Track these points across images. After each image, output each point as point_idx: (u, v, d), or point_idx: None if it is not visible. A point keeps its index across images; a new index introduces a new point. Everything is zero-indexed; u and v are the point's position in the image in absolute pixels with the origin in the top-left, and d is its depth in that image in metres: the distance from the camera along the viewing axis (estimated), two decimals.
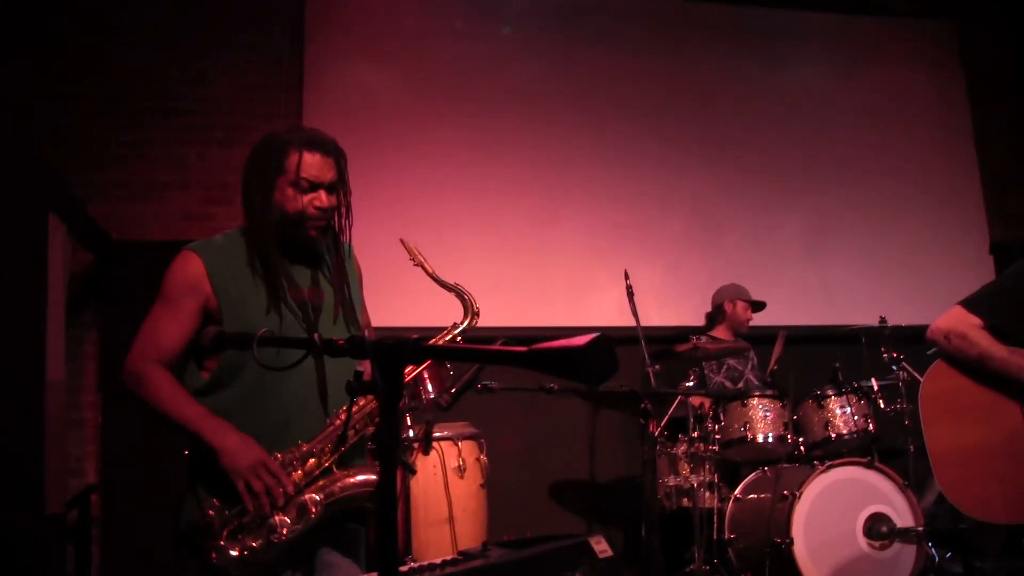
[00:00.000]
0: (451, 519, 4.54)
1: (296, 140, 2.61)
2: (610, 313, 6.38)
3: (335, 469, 2.46)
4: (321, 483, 2.43)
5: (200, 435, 2.40)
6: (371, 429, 2.51)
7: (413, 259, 2.75)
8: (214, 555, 2.29)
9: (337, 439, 2.45)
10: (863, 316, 5.80)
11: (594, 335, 1.13)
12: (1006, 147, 7.86)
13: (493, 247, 6.47)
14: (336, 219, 2.71)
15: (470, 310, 2.69)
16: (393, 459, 1.31)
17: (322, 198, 2.60)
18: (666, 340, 5.79)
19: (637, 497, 5.11)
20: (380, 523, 1.34)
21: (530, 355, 1.17)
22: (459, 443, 4.68)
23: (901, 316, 5.42)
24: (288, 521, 2.33)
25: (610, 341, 1.14)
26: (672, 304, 6.78)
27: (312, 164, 2.58)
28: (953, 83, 7.86)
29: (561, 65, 7.06)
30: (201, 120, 6.61)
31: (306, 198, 2.58)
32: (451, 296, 2.72)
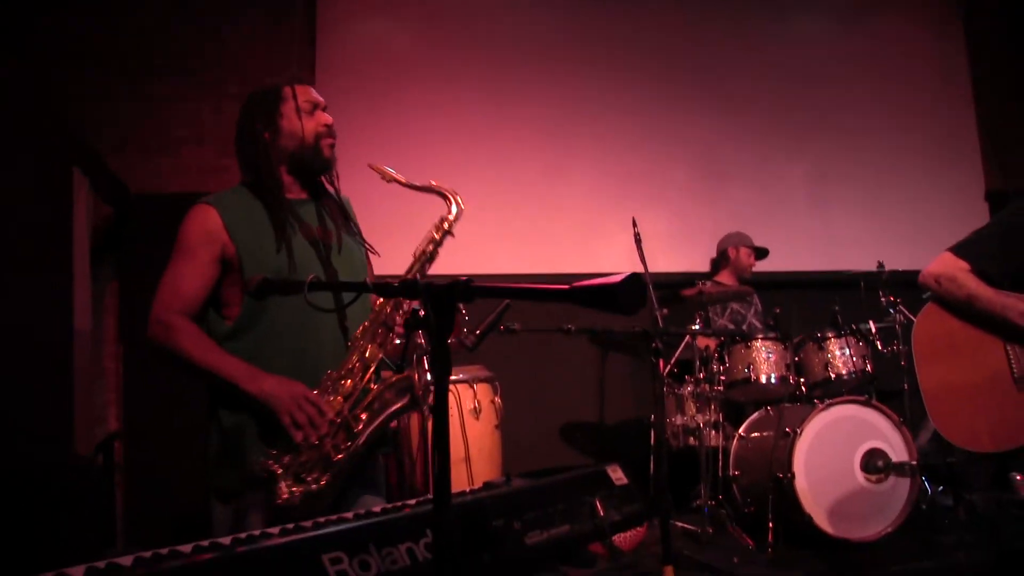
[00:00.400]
0: (468, 459, 4.67)
1: (283, 79, 2.82)
2: (618, 259, 6.48)
3: (372, 386, 2.59)
4: (362, 403, 2.55)
5: (236, 383, 2.49)
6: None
7: (384, 177, 2.81)
8: (280, 498, 2.39)
9: (368, 366, 2.59)
10: (863, 262, 5.91)
11: (628, 273, 1.31)
12: (1003, 98, 7.93)
13: (504, 196, 6.58)
14: None
15: (452, 201, 2.79)
16: (445, 391, 1.49)
17: (326, 117, 2.79)
18: (673, 285, 5.94)
19: (644, 437, 5.29)
20: (436, 450, 1.49)
21: (573, 292, 1.35)
22: (474, 386, 4.79)
23: (899, 261, 5.56)
24: (339, 445, 2.48)
25: (641, 278, 1.33)
26: (678, 250, 6.90)
27: (307, 90, 2.80)
28: (952, 34, 7.91)
29: (569, 16, 7.14)
30: (215, 76, 6.72)
31: (311, 120, 2.76)
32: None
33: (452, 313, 1.51)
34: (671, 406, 5.37)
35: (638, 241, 5.15)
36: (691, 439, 5.26)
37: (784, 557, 4.46)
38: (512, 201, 6.63)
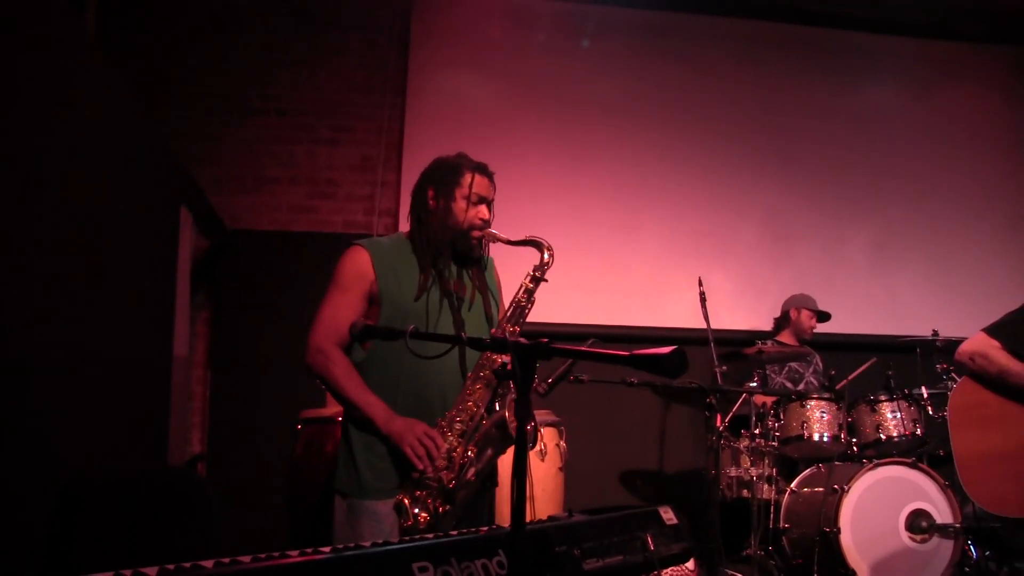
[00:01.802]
0: (532, 498, 4.88)
1: (468, 163, 3.21)
2: (684, 315, 6.71)
3: (483, 423, 2.97)
4: (473, 439, 2.93)
5: (374, 421, 2.92)
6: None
7: (490, 239, 3.22)
8: (407, 523, 2.82)
9: (479, 405, 2.98)
10: (919, 327, 6.03)
11: (674, 347, 1.64)
12: None
13: (579, 249, 6.76)
14: None
15: (544, 248, 3.14)
16: (525, 432, 1.80)
17: (485, 212, 3.19)
18: (735, 343, 6.18)
19: (701, 487, 5.52)
20: (515, 484, 1.79)
21: (630, 357, 1.69)
22: (541, 429, 5.00)
23: (954, 329, 5.58)
24: (455, 476, 2.86)
25: (683, 351, 1.65)
26: (742, 308, 7.11)
27: (482, 183, 3.19)
28: (1018, 105, 8.08)
29: (643, 79, 7.43)
30: (310, 120, 7.11)
31: (473, 211, 3.15)
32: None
33: (534, 367, 1.83)
34: (727, 458, 5.57)
35: (703, 300, 5.38)
36: (744, 491, 5.44)
37: None
38: (586, 254, 6.82)
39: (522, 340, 1.85)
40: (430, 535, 2.29)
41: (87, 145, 3.76)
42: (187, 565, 1.73)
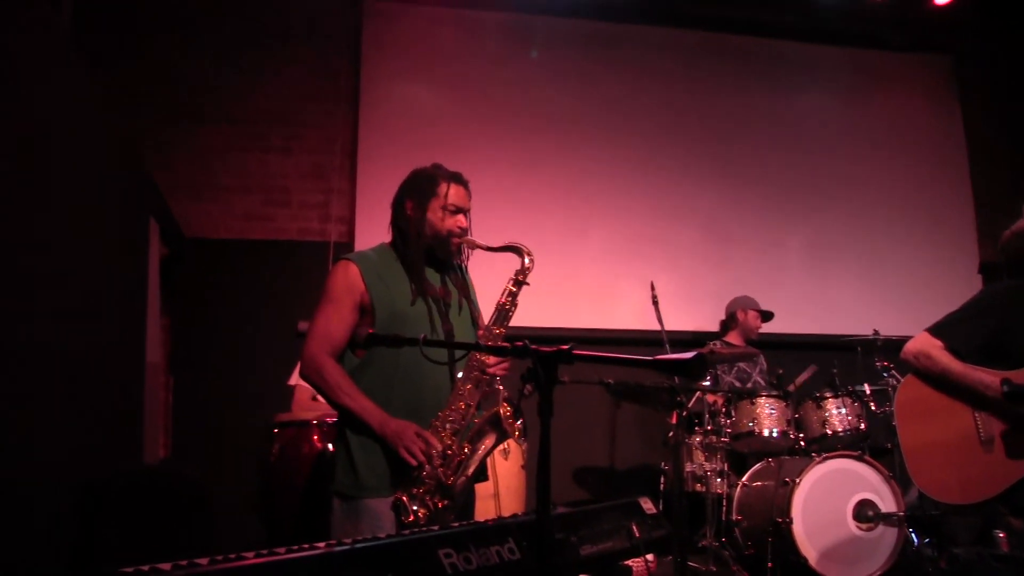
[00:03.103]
0: (496, 495, 5.08)
1: (443, 174, 3.38)
2: (631, 317, 6.97)
3: (475, 421, 3.12)
4: (467, 436, 3.08)
5: (369, 425, 3.05)
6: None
7: (471, 246, 3.37)
8: (408, 519, 2.94)
9: (470, 404, 3.12)
10: (859, 326, 6.28)
11: (695, 352, 1.84)
12: (996, 174, 8.45)
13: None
14: None
15: (524, 253, 3.30)
16: (549, 430, 1.98)
17: (463, 220, 3.34)
18: (685, 344, 6.39)
19: (651, 481, 5.75)
20: (539, 477, 1.99)
21: (655, 362, 1.88)
22: None
23: (894, 328, 5.86)
24: (451, 473, 3.01)
25: (704, 356, 1.84)
26: (688, 310, 7.32)
27: (458, 193, 3.34)
28: (949, 113, 8.47)
29: (588, 88, 7.66)
30: (261, 128, 7.18)
31: (450, 220, 3.31)
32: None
33: (554, 372, 2.01)
34: (681, 454, 5.78)
35: (655, 302, 5.55)
36: (699, 485, 5.63)
37: None
38: (535, 259, 6.89)
39: (543, 348, 2.01)
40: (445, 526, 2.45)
41: (67, 149, 3.81)
42: (228, 557, 1.88)
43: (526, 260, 3.29)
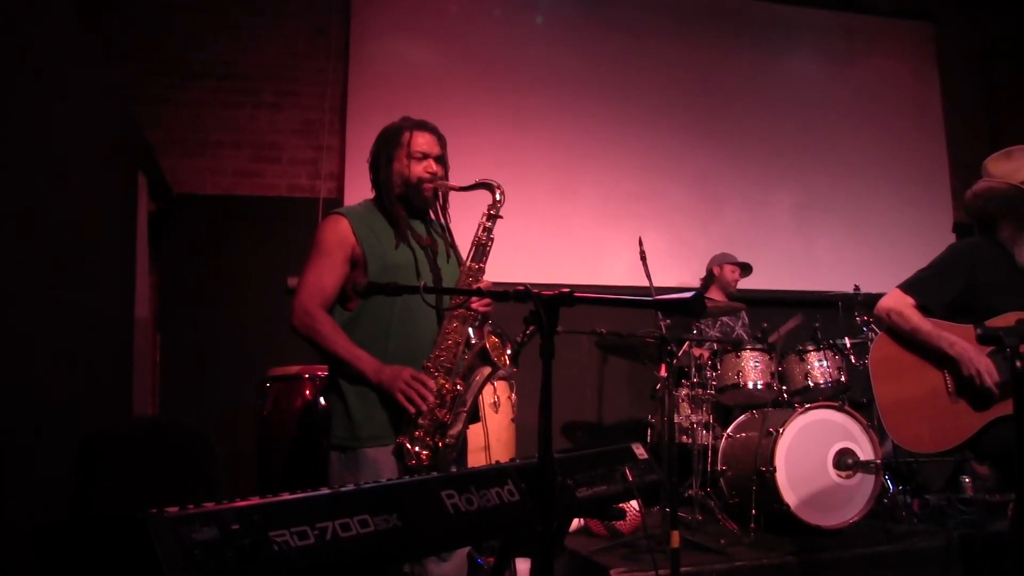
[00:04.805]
0: (487, 447, 5.14)
1: (408, 124, 3.44)
2: (621, 273, 7.04)
3: (465, 357, 3.20)
4: (459, 373, 3.17)
5: (363, 372, 3.10)
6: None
7: (441, 189, 3.46)
8: (411, 462, 3.03)
9: (459, 342, 3.21)
10: (841, 283, 6.43)
11: (694, 291, 1.93)
12: (972, 137, 8.66)
13: (519, 212, 6.77)
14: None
15: (495, 188, 3.37)
16: (550, 371, 2.06)
17: (432, 165, 3.40)
18: None
19: (639, 433, 5.83)
20: (541, 419, 2.07)
21: (656, 302, 1.97)
22: (495, 382, 5.28)
23: (874, 284, 5.88)
24: (446, 410, 3.10)
25: (703, 294, 1.94)
26: (676, 266, 7.45)
27: (422, 139, 3.40)
28: (928, 78, 8.66)
29: (579, 47, 7.70)
30: (252, 84, 7.19)
31: (418, 166, 3.37)
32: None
33: (556, 315, 2.09)
34: (668, 406, 5.88)
35: (643, 258, 5.61)
36: (684, 437, 5.72)
37: (764, 540, 5.01)
38: (527, 217, 7.00)
39: (545, 292, 2.09)
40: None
41: (54, 103, 3.79)
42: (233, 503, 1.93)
43: (497, 195, 3.37)
